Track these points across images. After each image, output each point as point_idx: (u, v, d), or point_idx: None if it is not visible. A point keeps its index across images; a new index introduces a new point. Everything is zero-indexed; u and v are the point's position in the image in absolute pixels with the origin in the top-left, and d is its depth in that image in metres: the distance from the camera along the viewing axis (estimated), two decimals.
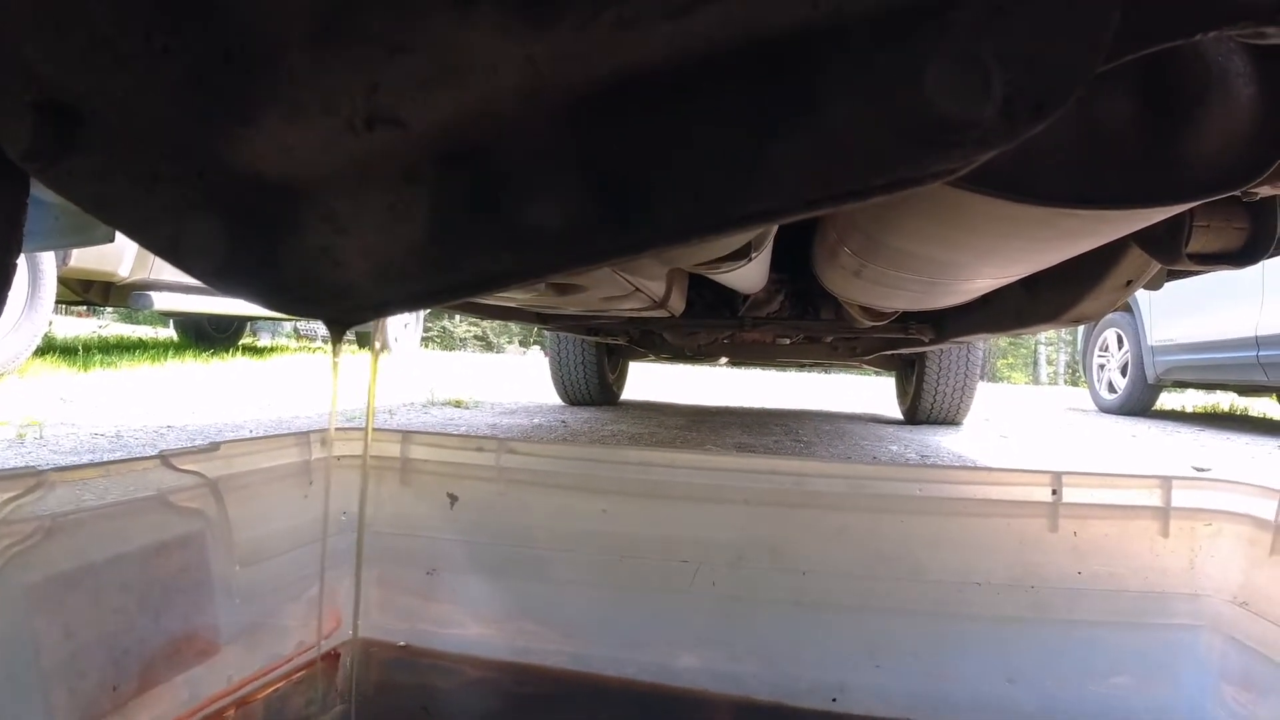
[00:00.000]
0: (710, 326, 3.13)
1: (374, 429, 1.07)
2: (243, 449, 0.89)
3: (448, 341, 32.15)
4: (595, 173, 0.36)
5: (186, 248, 0.40)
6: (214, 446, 0.86)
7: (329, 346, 12.20)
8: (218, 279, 0.41)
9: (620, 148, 0.35)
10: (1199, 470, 3.32)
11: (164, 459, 0.80)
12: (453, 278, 0.38)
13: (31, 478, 0.68)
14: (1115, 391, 7.12)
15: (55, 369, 5.04)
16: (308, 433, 0.98)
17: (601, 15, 0.32)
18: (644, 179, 0.35)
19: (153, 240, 0.42)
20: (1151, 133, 0.76)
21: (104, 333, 9.79)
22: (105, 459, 0.76)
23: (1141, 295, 6.43)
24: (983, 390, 7.46)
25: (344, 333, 0.43)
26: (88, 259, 4.95)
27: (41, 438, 2.64)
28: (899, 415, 5.50)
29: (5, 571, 0.65)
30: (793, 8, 0.31)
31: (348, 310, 0.41)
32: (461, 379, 7.48)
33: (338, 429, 1.02)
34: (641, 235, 0.35)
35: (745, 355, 4.44)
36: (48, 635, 0.68)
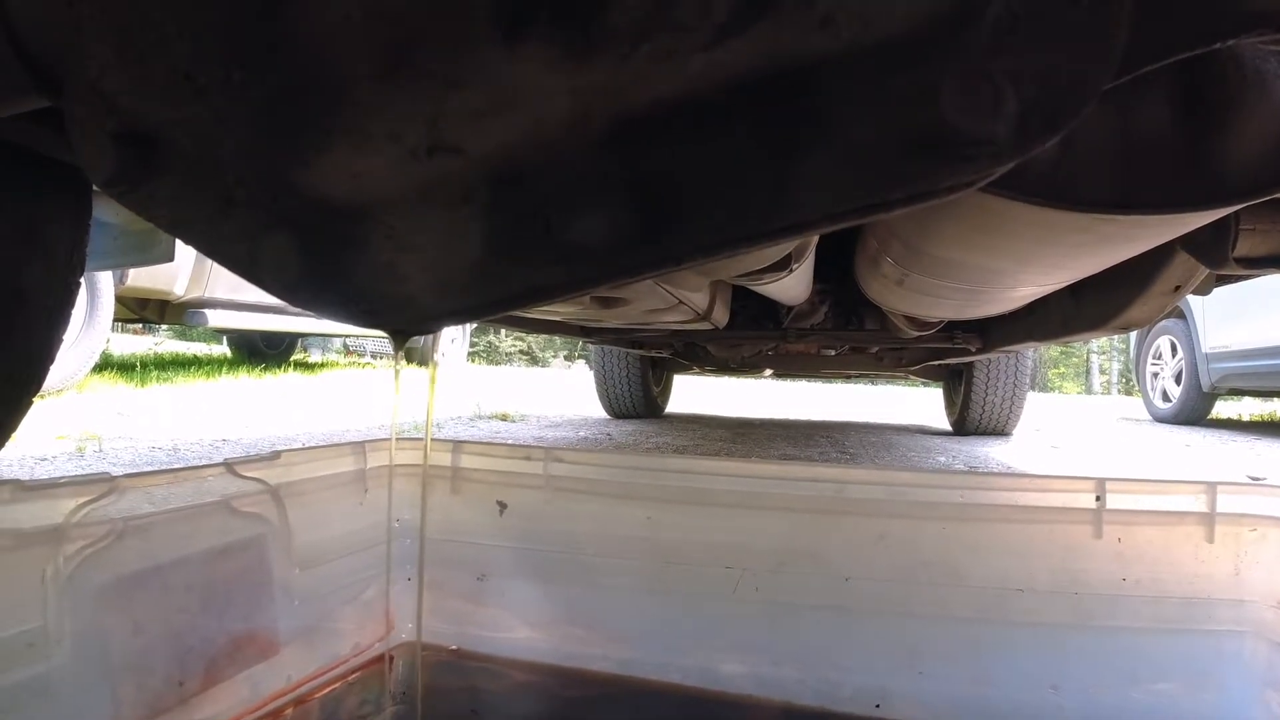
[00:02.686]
0: (754, 338, 3.14)
1: (405, 440, 1.10)
2: (302, 457, 0.92)
3: (493, 356, 32.38)
4: (635, 192, 0.38)
5: (262, 265, 0.44)
6: (275, 455, 0.89)
7: (377, 362, 12.37)
8: (291, 294, 0.44)
9: (657, 168, 0.38)
10: (1254, 479, 3.25)
11: (228, 466, 0.84)
12: (506, 290, 0.41)
13: (104, 483, 0.72)
14: (1169, 400, 6.97)
15: (113, 385, 5.18)
16: (363, 442, 1.02)
17: (638, 49, 0.35)
18: (679, 197, 0.38)
19: (229, 258, 0.45)
20: (1188, 137, 0.76)
21: (159, 350, 10.03)
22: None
23: (1195, 301, 6.31)
24: (1033, 400, 7.35)
25: (405, 342, 0.46)
26: (144, 278, 5.08)
27: (101, 451, 2.73)
28: (947, 426, 5.45)
29: (79, 572, 0.69)
30: (813, 38, 0.34)
31: (410, 321, 0.44)
32: (507, 393, 7.54)
33: (397, 440, 1.06)
34: (678, 249, 0.37)
35: (790, 367, 4.42)
36: (117, 632, 0.72)
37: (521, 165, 0.40)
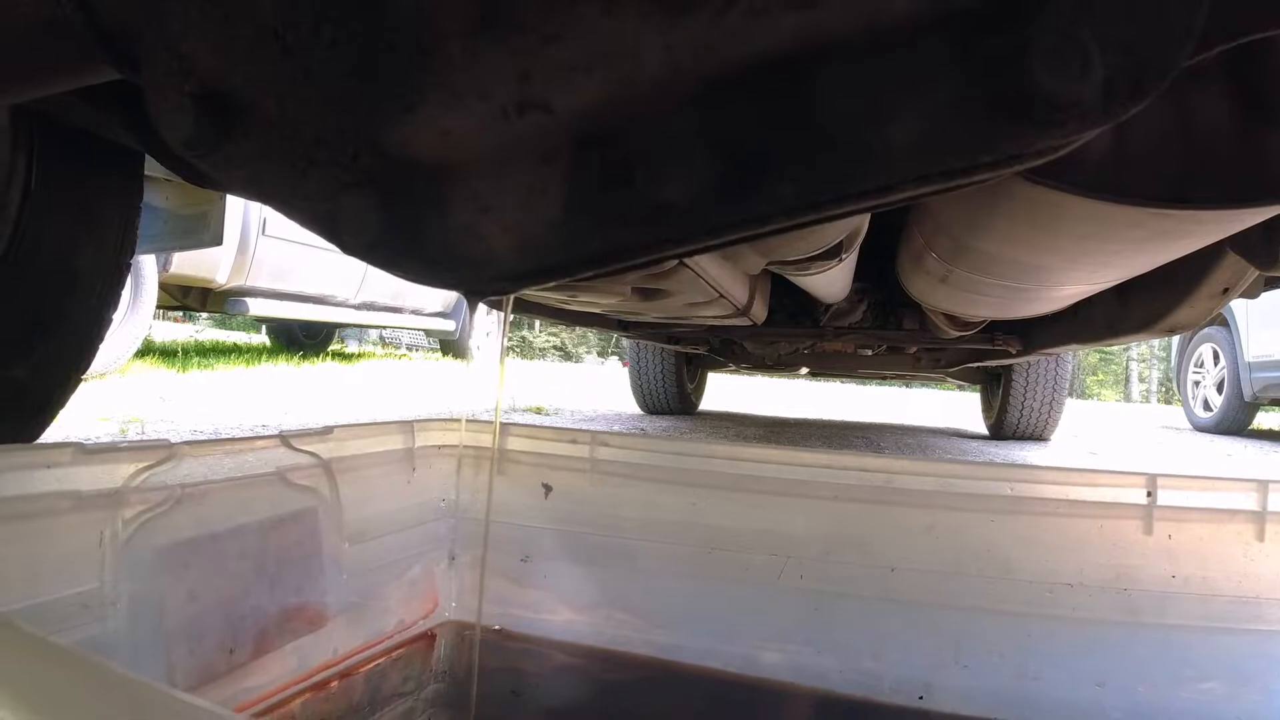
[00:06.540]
0: (791, 336, 3.13)
1: (471, 422, 1.11)
2: (354, 433, 0.94)
3: (527, 351, 32.53)
4: (721, 150, 0.39)
5: (340, 225, 0.45)
6: (328, 430, 0.91)
7: (413, 354, 12.47)
8: (369, 253, 0.45)
9: (746, 128, 0.38)
10: None
11: (283, 439, 0.85)
12: (587, 250, 0.41)
13: (164, 449, 0.73)
14: (1210, 409, 6.86)
15: (154, 370, 5.26)
16: (412, 421, 1.03)
17: (734, 6, 0.35)
18: (767, 158, 0.38)
19: (307, 218, 0.46)
20: (1246, 131, 0.76)
21: (200, 337, 10.19)
22: None
23: (1239, 310, 6.20)
24: (1071, 407, 7.26)
25: (478, 304, 0.46)
26: (187, 266, 5.16)
27: (143, 433, 2.77)
28: (983, 430, 5.40)
29: (137, 536, 0.70)
30: None
31: (487, 282, 0.44)
32: (541, 387, 7.58)
33: (444, 420, 1.07)
34: (763, 209, 0.38)
35: (826, 366, 4.40)
36: (172, 597, 0.73)
37: (609, 123, 0.40)
